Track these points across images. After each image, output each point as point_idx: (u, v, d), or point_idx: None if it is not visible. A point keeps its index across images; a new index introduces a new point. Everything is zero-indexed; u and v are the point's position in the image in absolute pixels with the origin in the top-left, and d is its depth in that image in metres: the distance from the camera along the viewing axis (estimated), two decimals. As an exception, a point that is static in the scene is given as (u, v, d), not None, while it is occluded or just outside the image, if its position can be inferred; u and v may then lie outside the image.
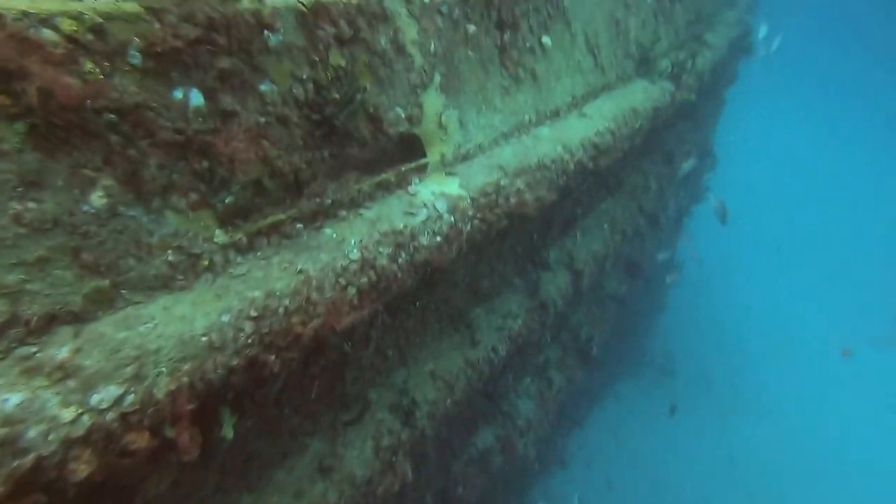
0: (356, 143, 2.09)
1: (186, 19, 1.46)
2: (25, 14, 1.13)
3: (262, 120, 1.73)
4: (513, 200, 2.52)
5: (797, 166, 23.41)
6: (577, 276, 3.72)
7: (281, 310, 1.49)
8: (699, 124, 6.01)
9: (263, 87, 1.72)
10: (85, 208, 1.20)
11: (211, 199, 1.53)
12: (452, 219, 2.21)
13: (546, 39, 3.03)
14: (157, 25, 1.39)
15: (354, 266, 1.78)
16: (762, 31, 8.81)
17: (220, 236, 1.54)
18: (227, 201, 1.61)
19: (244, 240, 1.62)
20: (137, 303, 1.28)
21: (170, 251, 1.38)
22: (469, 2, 2.48)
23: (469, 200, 2.31)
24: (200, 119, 1.51)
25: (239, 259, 1.58)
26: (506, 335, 3.01)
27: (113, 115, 1.29)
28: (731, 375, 11.57)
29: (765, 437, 10.28)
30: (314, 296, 1.61)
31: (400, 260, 1.95)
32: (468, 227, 2.28)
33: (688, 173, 5.12)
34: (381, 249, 1.89)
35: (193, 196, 1.49)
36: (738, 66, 6.46)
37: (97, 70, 1.26)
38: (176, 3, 1.46)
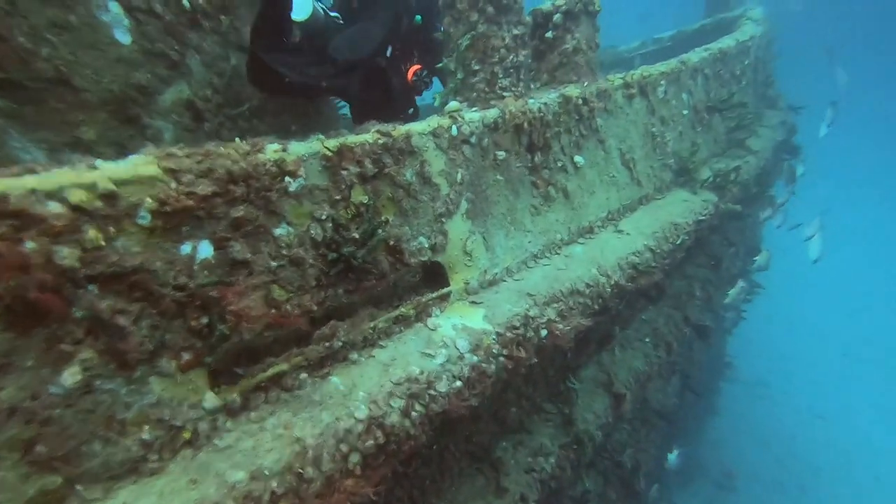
0: (374, 277, 1.98)
1: (204, 175, 1.44)
2: (33, 191, 1.10)
3: (275, 264, 1.65)
4: (543, 333, 2.29)
5: (864, 259, 21.91)
6: (617, 400, 3.32)
7: (266, 496, 1.28)
8: (746, 224, 5.72)
9: (279, 231, 1.66)
10: (53, 390, 1.09)
11: (205, 357, 1.40)
12: (475, 359, 2.00)
13: (579, 158, 2.98)
14: (172, 185, 1.37)
15: (360, 427, 1.57)
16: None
17: (209, 400, 1.39)
18: (223, 354, 1.48)
19: (238, 400, 1.46)
20: (92, 501, 1.11)
21: (147, 426, 1.23)
22: (499, 129, 2.47)
23: (494, 336, 2.10)
24: (206, 272, 1.44)
25: (228, 424, 1.41)
26: (536, 479, 2.62)
27: (107, 281, 1.21)
28: (801, 497, 9.98)
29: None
30: (309, 471, 1.40)
31: (413, 414, 1.73)
32: (493, 367, 2.05)
33: (736, 298, 4.76)
34: (392, 403, 1.69)
35: (186, 356, 1.37)
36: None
37: (100, 236, 1.21)
38: (197, 160, 1.46)
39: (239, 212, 1.54)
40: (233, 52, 2.85)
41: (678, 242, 3.21)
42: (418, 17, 3.26)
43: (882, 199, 28.76)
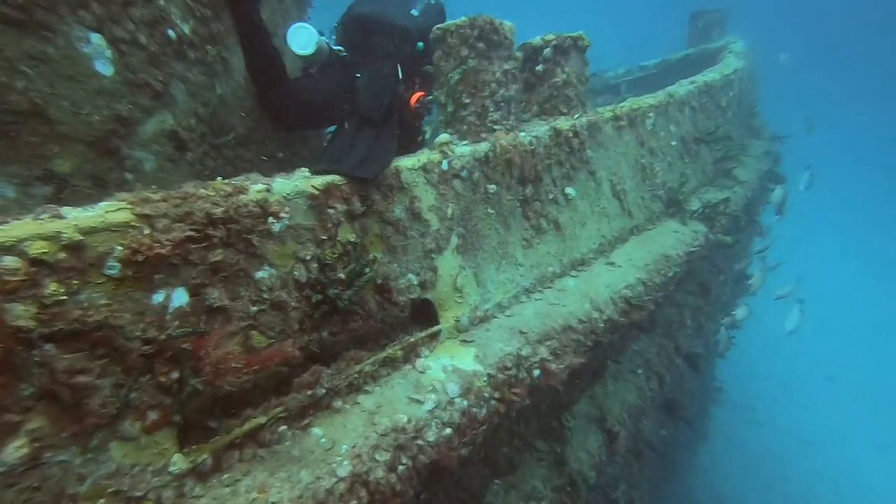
0: (360, 318, 1.90)
1: (181, 220, 1.37)
2: (-13, 245, 1.02)
3: (255, 309, 1.56)
4: (536, 373, 2.22)
5: (846, 285, 22.26)
6: (610, 436, 3.24)
7: (235, 574, 1.17)
8: (735, 251, 5.76)
9: (260, 274, 1.58)
10: (-4, 467, 0.98)
11: (174, 415, 1.30)
12: (465, 403, 1.91)
13: (570, 190, 2.96)
14: (146, 231, 1.29)
15: (342, 487, 1.46)
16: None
17: (177, 462, 1.28)
18: (195, 408, 1.38)
19: (208, 461, 1.35)
20: None
21: (102, 501, 1.12)
22: (490, 163, 2.44)
23: (485, 378, 2.02)
24: (178, 322, 1.35)
25: (197, 490, 1.30)
26: (528, 525, 2.51)
27: (66, 339, 1.12)
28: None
29: None
30: (284, 540, 1.29)
31: (400, 467, 1.63)
32: (483, 411, 1.96)
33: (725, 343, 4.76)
34: (377, 457, 1.59)
35: (153, 415, 1.26)
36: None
37: (61, 290, 1.12)
38: (174, 203, 1.38)
39: (217, 256, 1.46)
40: (218, 82, 2.80)
41: (670, 275, 3.18)
42: (420, 45, 3.26)
43: (866, 221, 29.54)
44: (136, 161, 2.43)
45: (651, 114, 3.71)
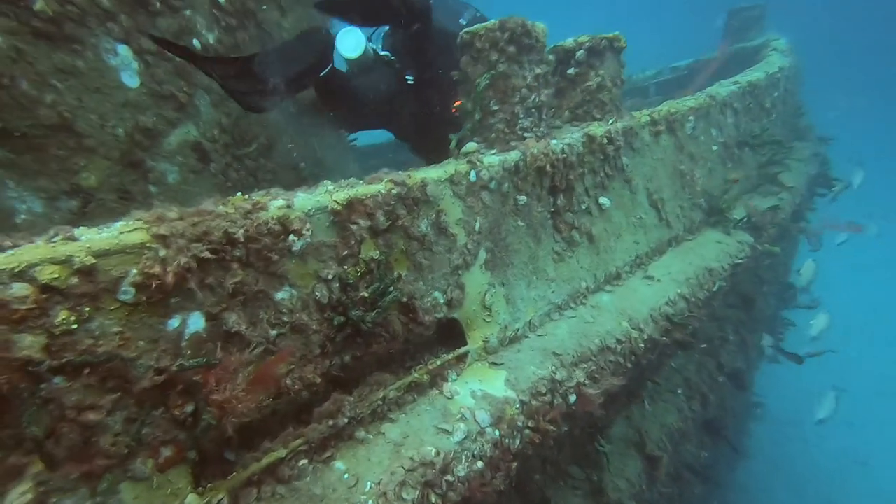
0: (384, 340, 1.79)
1: (199, 240, 1.29)
2: (-6, 272, 0.96)
3: (274, 333, 1.48)
4: (572, 398, 2.06)
5: None
6: (651, 462, 3.03)
7: None
8: (779, 261, 5.42)
9: (280, 296, 1.50)
10: (-1, 515, 0.91)
11: (189, 450, 1.22)
12: (497, 434, 1.77)
13: (604, 199, 2.79)
14: (162, 253, 1.22)
15: (364, 529, 1.35)
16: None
17: (192, 503, 1.19)
18: (209, 441, 1.30)
19: (225, 501, 1.26)
20: None
21: (113, 548, 1.04)
22: (520, 173, 2.31)
23: (518, 405, 1.88)
24: (192, 350, 1.27)
25: (213, 532, 1.21)
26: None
27: (76, 371, 1.05)
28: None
29: None
30: (302, 590, 1.18)
31: (426, 506, 1.50)
32: (517, 442, 1.82)
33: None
34: (404, 495, 1.47)
35: (167, 452, 1.18)
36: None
37: (72, 318, 1.05)
38: (192, 222, 1.31)
39: (236, 277, 1.38)
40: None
41: (714, 289, 2.96)
42: None
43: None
44: (160, 173, 2.41)
45: (691, 117, 3.50)
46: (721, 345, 4.15)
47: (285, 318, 1.50)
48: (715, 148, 3.76)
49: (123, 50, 2.25)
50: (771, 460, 10.17)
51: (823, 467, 10.72)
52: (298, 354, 1.54)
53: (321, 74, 2.85)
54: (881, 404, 13.50)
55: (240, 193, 1.55)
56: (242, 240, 1.38)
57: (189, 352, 1.25)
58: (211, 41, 2.55)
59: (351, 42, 3.16)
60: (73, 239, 1.13)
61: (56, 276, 1.04)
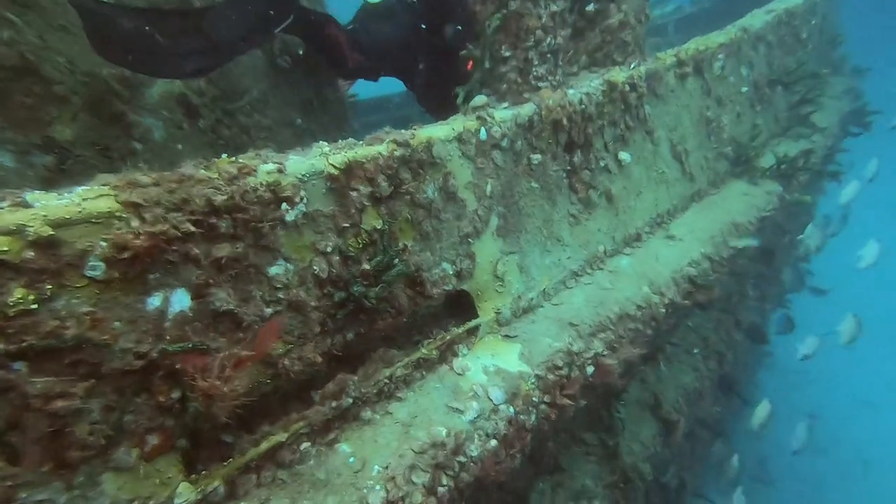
0: (390, 315, 1.67)
1: (177, 208, 1.14)
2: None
3: (269, 311, 1.35)
4: (590, 370, 1.96)
5: None
6: (667, 425, 2.98)
7: None
8: (801, 209, 5.15)
9: (274, 270, 1.36)
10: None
11: (178, 438, 1.13)
12: (512, 411, 1.69)
13: (624, 154, 2.56)
14: (134, 223, 1.07)
15: (374, 515, 1.29)
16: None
17: (183, 492, 1.12)
18: (201, 428, 1.21)
19: (221, 488, 1.19)
20: None
21: (101, 548, 0.97)
22: (534, 128, 2.09)
23: (534, 380, 1.78)
24: (179, 330, 1.15)
25: (211, 524, 1.15)
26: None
27: (41, 355, 0.94)
28: (844, 481, 9.43)
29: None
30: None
31: (440, 489, 1.44)
32: (532, 418, 1.74)
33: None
34: (414, 479, 1.40)
35: (153, 440, 1.10)
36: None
37: (31, 297, 0.93)
38: (168, 188, 1.15)
39: (224, 250, 1.24)
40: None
41: (740, 246, 2.78)
42: None
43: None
44: (145, 129, 2.22)
45: (721, 55, 3.17)
46: (739, 301, 4.01)
47: (280, 295, 1.38)
48: (745, 89, 3.43)
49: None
50: (776, 406, 10.30)
51: (830, 411, 10.85)
52: (297, 333, 1.42)
53: (278, 29, 2.56)
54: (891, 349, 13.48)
55: (225, 155, 1.37)
56: (228, 209, 1.23)
57: (174, 333, 1.13)
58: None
59: None
60: (26, 205, 0.98)
61: (6, 248, 0.91)
